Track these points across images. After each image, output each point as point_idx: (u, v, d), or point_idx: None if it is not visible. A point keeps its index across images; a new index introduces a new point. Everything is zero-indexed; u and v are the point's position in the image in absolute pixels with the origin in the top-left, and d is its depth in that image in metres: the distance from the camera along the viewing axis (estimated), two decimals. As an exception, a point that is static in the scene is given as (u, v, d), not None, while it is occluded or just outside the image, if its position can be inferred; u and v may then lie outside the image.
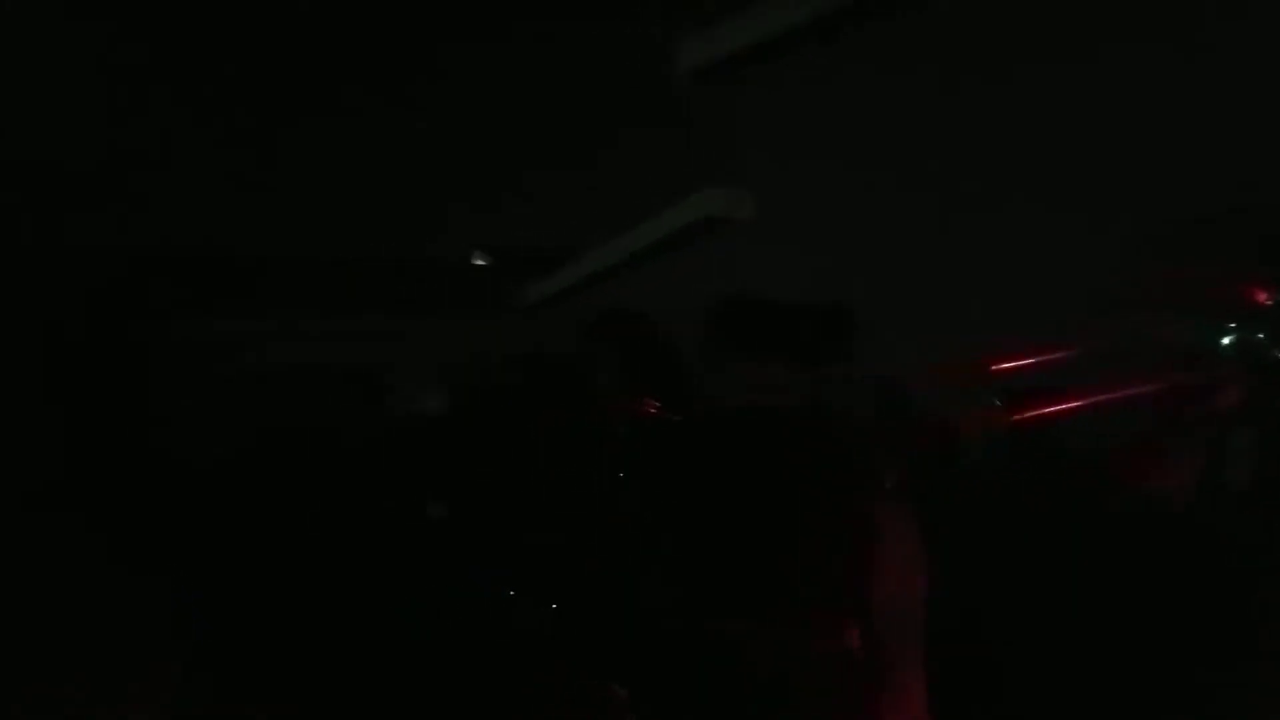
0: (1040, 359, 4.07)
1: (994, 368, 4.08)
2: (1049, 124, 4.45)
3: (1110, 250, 4.36)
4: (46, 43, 4.60)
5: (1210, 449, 3.95)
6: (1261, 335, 3.92)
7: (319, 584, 4.37)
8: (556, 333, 5.42)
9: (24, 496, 4.27)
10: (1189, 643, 3.73)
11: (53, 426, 4.70)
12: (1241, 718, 3.70)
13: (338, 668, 4.21)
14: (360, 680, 4.08)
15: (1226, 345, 3.95)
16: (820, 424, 3.70)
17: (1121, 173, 4.38)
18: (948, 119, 4.66)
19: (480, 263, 6.10)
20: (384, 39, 5.11)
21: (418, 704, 4.04)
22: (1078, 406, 3.81)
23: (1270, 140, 4.26)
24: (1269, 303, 3.95)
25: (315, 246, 5.62)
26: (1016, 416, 3.93)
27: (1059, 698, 3.76)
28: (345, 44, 5.05)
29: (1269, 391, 3.92)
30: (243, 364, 5.22)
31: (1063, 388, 4.03)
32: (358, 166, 5.42)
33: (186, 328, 5.36)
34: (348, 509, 4.62)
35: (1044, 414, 3.85)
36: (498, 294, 5.96)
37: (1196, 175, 4.35)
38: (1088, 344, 3.98)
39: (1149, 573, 3.76)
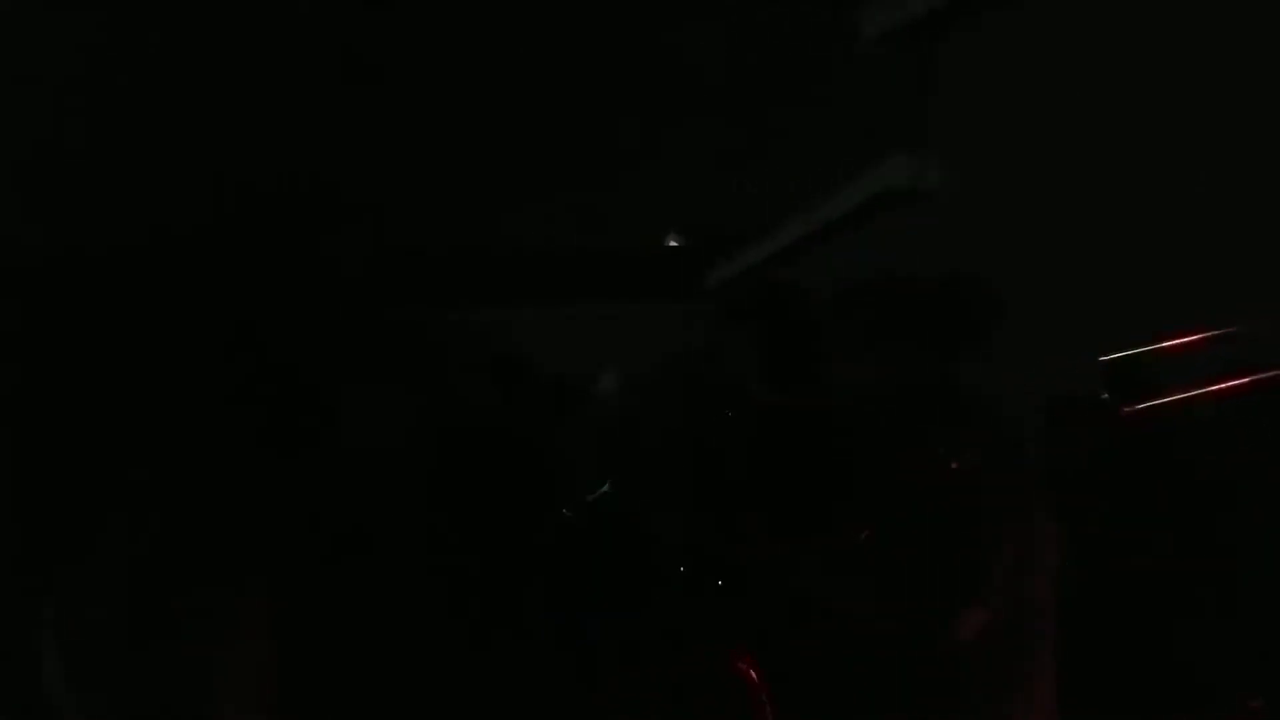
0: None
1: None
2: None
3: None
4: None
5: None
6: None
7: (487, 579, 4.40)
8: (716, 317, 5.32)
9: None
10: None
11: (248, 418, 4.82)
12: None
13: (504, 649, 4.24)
14: (510, 659, 4.11)
15: None
16: (948, 407, 3.56)
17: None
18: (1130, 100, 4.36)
19: (674, 244, 6.05)
20: (554, 23, 5.10)
21: (562, 689, 4.05)
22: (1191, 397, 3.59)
23: None
24: None
25: (500, 235, 5.67)
26: (1124, 410, 3.75)
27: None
28: (514, 32, 5.06)
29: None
30: (428, 354, 5.29)
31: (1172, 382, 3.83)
32: (536, 151, 5.44)
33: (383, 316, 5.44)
34: (528, 501, 4.64)
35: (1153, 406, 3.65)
36: (689, 277, 5.91)
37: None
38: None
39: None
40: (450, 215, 5.55)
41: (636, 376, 4.98)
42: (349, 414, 4.56)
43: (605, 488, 4.65)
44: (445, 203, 5.52)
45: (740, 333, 4.30)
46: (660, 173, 5.64)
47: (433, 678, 4.02)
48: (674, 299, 5.79)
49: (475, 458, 4.71)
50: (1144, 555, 3.67)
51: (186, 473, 3.91)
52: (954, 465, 3.46)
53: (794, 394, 3.99)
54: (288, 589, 3.79)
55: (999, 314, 3.81)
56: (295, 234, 5.20)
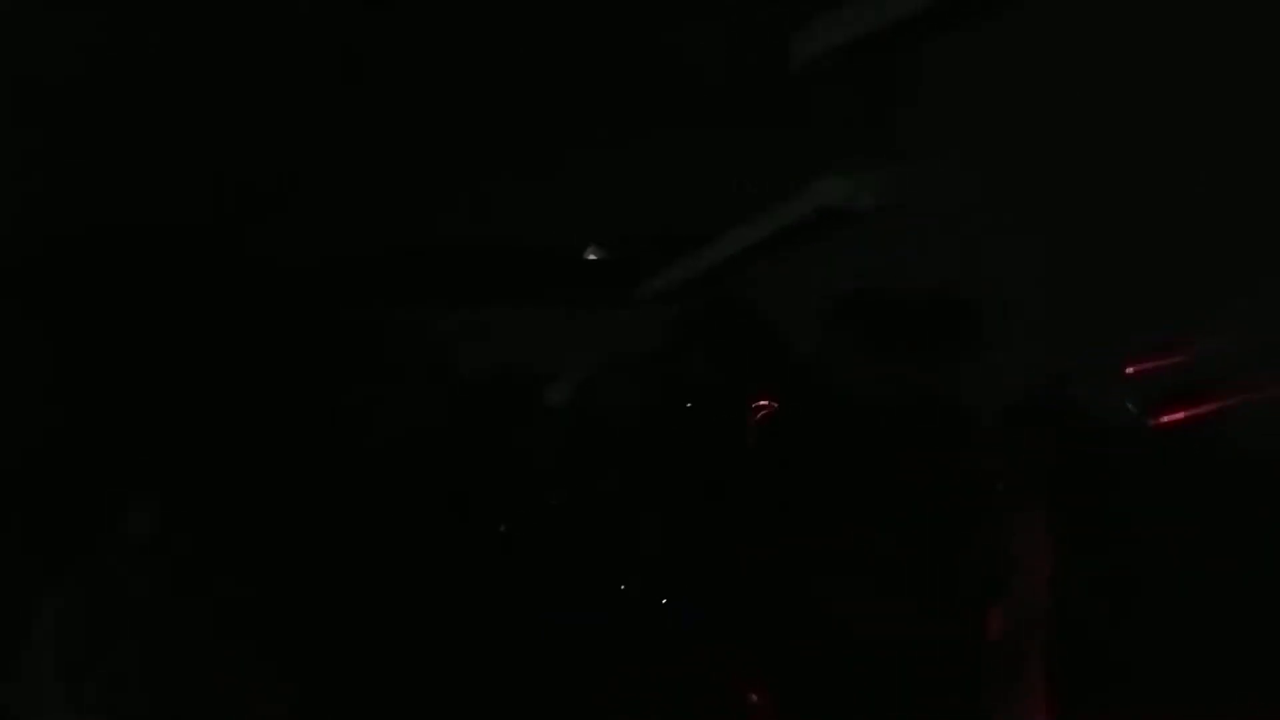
0: (1176, 359, 3.96)
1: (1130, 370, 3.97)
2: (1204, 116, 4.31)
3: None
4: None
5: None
6: None
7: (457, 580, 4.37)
8: (670, 327, 5.41)
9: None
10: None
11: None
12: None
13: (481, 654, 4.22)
14: (499, 673, 4.10)
15: None
16: (940, 420, 3.68)
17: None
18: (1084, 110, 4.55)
19: (593, 257, 6.09)
20: (506, 40, 5.14)
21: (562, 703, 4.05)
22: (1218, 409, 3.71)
23: None
24: None
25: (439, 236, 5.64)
26: (1154, 422, 3.84)
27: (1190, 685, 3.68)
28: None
29: None
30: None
31: (1202, 390, 3.92)
32: (468, 153, 5.45)
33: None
34: (483, 501, 4.63)
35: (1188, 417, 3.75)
36: (615, 287, 5.95)
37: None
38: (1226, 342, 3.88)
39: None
40: (410, 214, 5.52)
41: (589, 379, 5.02)
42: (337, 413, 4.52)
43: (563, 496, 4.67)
44: (404, 201, 5.50)
45: (697, 343, 4.37)
46: (601, 178, 5.70)
47: (430, 678, 4.00)
48: (615, 305, 5.84)
49: (432, 461, 4.69)
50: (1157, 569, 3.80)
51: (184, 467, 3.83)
52: (950, 469, 3.56)
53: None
54: (283, 584, 3.74)
55: (990, 323, 3.94)
56: (250, 232, 5.13)
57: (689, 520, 4.14)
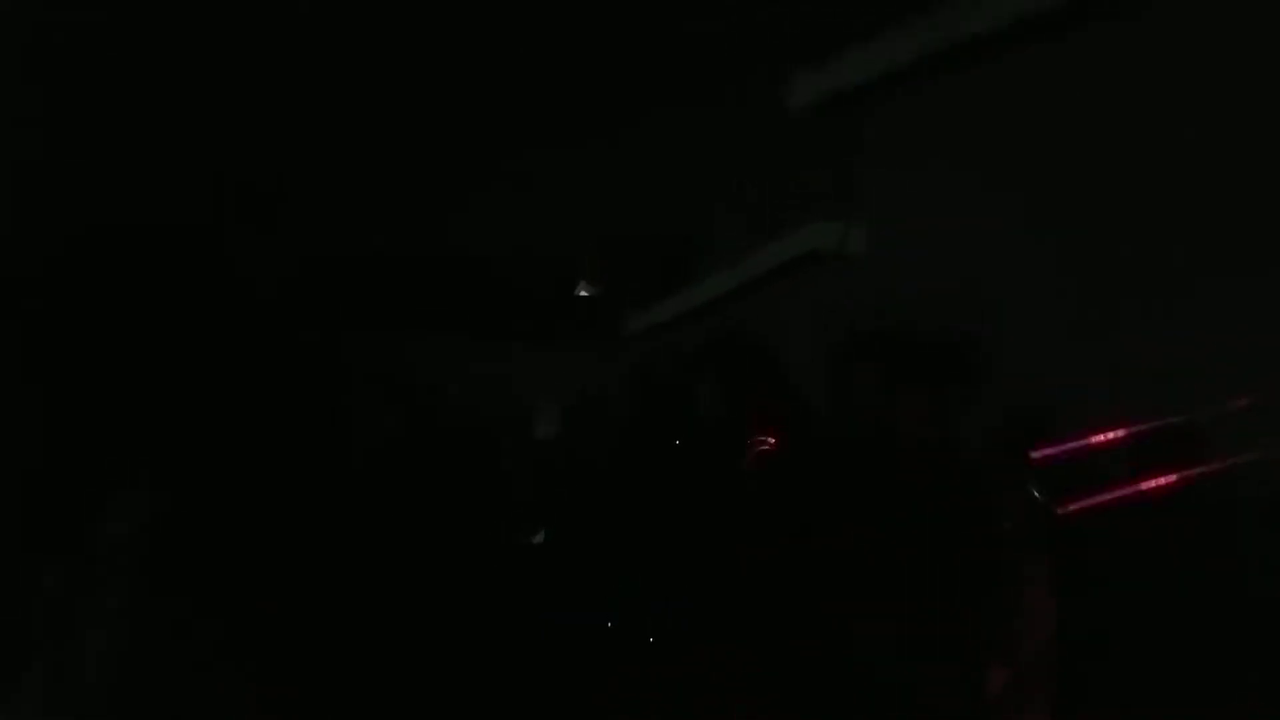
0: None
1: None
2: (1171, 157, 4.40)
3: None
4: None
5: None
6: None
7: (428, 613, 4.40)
8: (662, 362, 5.46)
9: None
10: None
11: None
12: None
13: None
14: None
15: None
16: (945, 458, 3.72)
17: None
18: (1072, 151, 4.65)
19: (584, 294, 6.16)
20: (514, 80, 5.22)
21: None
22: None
23: None
24: None
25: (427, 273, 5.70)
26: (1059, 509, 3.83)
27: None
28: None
29: None
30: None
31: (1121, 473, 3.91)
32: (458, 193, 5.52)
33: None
34: (464, 532, 4.66)
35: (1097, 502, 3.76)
36: (605, 324, 6.02)
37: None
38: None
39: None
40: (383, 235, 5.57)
41: (570, 414, 5.08)
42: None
43: (540, 535, 4.71)
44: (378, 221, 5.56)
45: (707, 375, 4.41)
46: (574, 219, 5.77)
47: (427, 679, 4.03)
48: (603, 340, 5.90)
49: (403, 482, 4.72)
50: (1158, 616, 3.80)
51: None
52: (957, 508, 3.59)
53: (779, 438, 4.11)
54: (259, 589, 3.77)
55: (988, 367, 3.99)
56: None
57: (676, 561, 4.17)
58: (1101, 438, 4.03)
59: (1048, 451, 3.96)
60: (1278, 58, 4.13)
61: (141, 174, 5.13)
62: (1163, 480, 3.90)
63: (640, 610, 4.25)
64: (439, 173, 5.56)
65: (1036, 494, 3.91)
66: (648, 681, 4.05)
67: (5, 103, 4.60)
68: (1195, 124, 4.35)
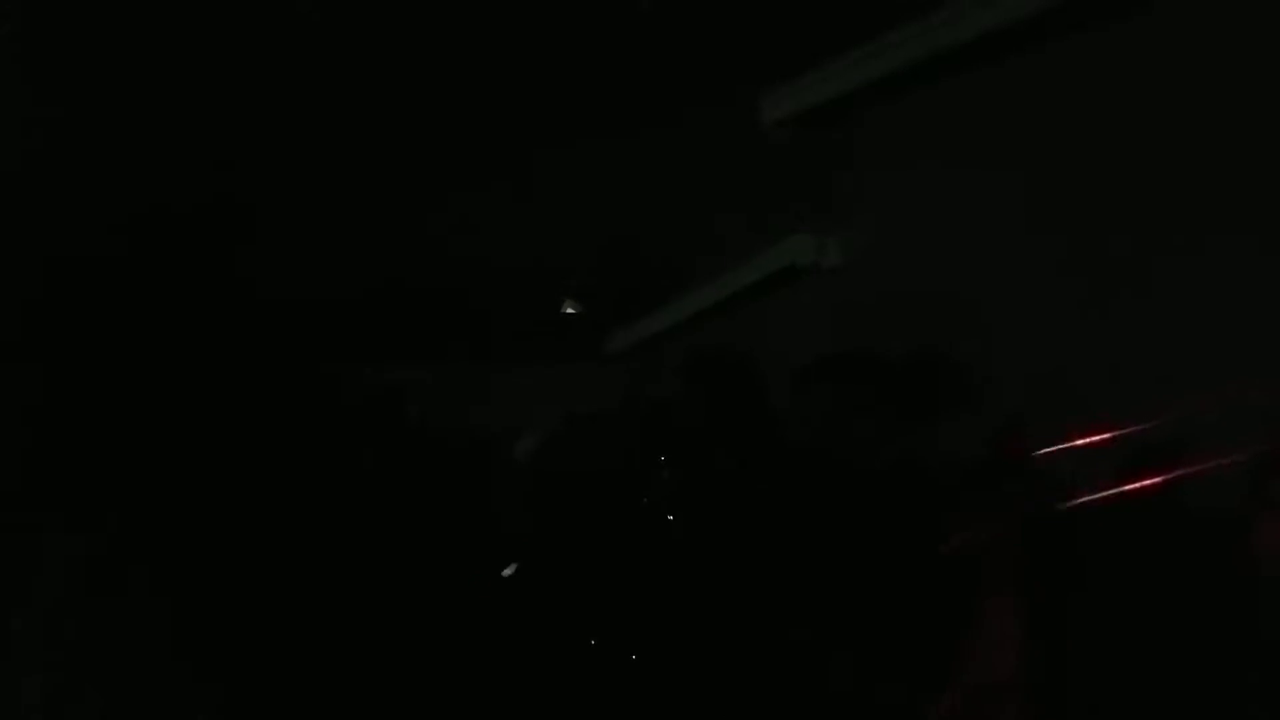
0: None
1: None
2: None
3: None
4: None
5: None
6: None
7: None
8: (644, 379, 5.47)
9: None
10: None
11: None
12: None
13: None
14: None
15: None
16: (910, 482, 3.71)
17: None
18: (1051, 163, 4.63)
19: (570, 311, 6.18)
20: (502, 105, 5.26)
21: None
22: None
23: None
24: None
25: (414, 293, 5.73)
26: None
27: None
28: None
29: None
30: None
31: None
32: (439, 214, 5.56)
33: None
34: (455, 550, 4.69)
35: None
36: (588, 341, 6.04)
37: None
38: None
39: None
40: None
41: (555, 433, 5.08)
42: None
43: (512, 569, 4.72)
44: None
45: (696, 390, 4.42)
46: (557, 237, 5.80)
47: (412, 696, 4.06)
48: (584, 359, 5.93)
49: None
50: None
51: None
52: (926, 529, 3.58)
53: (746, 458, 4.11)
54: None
55: (964, 387, 3.99)
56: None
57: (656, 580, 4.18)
58: (1083, 441, 4.02)
59: (1027, 457, 3.96)
60: (1270, 59, 4.11)
61: (126, 190, 5.17)
62: (1145, 484, 3.89)
63: (622, 628, 4.27)
64: (419, 196, 5.59)
65: (1016, 501, 3.91)
66: (630, 697, 4.07)
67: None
68: (1180, 137, 4.35)
